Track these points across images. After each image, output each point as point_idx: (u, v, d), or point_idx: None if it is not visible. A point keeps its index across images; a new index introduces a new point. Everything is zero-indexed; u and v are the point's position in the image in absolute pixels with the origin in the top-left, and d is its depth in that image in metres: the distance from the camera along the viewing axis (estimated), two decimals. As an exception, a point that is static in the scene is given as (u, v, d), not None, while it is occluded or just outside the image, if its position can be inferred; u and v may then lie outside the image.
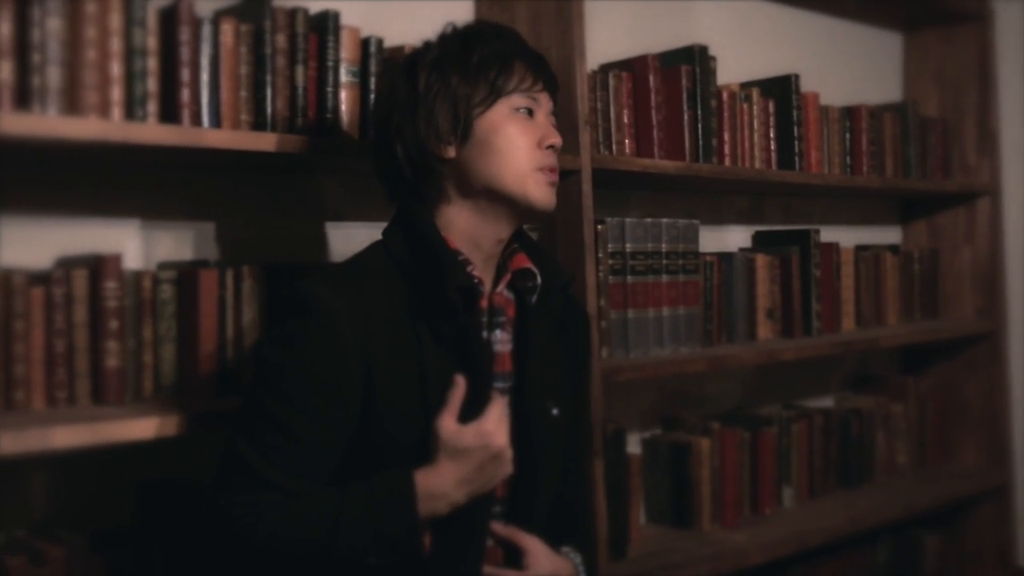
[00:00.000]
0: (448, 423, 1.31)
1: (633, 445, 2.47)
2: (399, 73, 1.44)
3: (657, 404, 2.58)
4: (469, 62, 1.39)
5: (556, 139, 1.42)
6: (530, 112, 1.42)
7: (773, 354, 2.38)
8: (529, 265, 1.47)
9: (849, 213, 3.12)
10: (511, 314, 1.47)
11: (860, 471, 2.83)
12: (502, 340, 1.45)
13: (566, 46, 1.98)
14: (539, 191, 1.40)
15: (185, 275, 1.63)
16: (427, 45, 1.45)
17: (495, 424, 1.31)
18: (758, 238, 2.77)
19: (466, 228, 1.42)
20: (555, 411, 1.47)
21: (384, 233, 1.46)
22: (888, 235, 3.27)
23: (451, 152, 1.40)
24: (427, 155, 1.40)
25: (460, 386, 1.32)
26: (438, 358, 1.35)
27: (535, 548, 1.43)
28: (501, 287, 1.46)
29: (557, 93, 1.49)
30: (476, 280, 1.40)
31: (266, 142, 1.55)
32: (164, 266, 1.69)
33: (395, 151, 1.42)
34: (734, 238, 2.76)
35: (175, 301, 1.63)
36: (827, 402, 3.01)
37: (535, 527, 1.46)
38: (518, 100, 1.41)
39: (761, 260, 2.55)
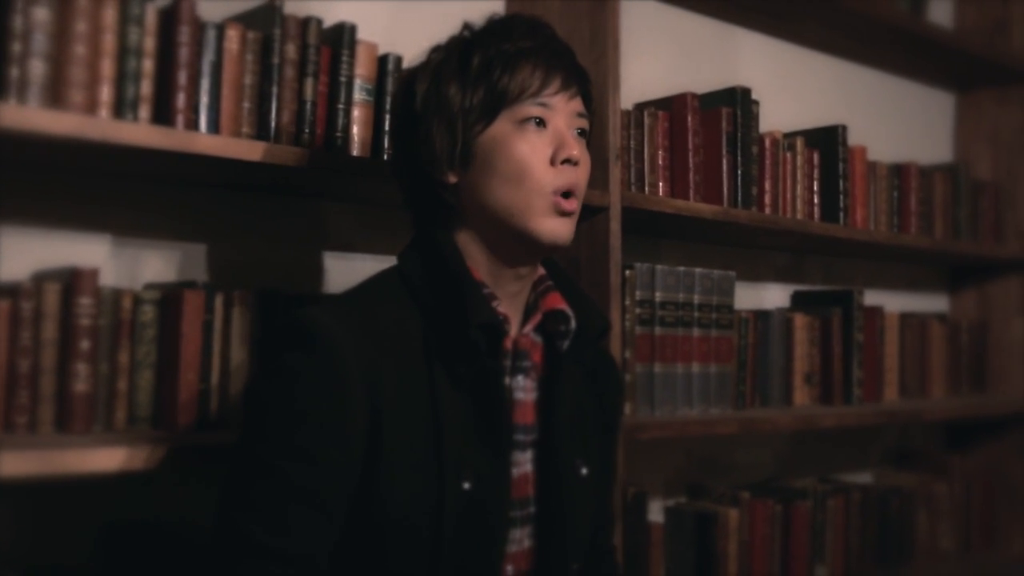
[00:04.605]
0: None
1: (655, 513, 2.28)
2: (400, 86, 1.29)
3: (683, 470, 2.39)
4: (468, 69, 1.20)
5: (571, 150, 1.19)
6: (541, 122, 1.21)
7: (811, 420, 2.19)
8: (563, 307, 1.28)
9: (894, 277, 2.95)
10: (537, 359, 1.28)
11: (900, 553, 2.62)
12: (525, 388, 1.26)
13: (599, 76, 1.84)
14: (545, 223, 1.19)
15: (169, 296, 1.48)
16: (432, 50, 1.27)
17: None
18: (797, 298, 2.61)
19: (483, 260, 1.24)
20: (584, 470, 1.28)
21: (400, 257, 1.27)
22: (934, 303, 3.09)
23: (453, 178, 1.23)
24: (428, 181, 1.24)
25: None
26: (454, 405, 1.16)
27: None
28: (529, 328, 1.27)
29: (588, 88, 1.27)
30: (502, 317, 1.22)
31: (255, 151, 1.40)
32: (149, 287, 1.55)
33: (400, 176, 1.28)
34: (771, 296, 2.59)
35: (156, 324, 1.48)
36: (865, 477, 2.81)
37: None
38: (523, 110, 1.19)
39: (800, 320, 2.38)
